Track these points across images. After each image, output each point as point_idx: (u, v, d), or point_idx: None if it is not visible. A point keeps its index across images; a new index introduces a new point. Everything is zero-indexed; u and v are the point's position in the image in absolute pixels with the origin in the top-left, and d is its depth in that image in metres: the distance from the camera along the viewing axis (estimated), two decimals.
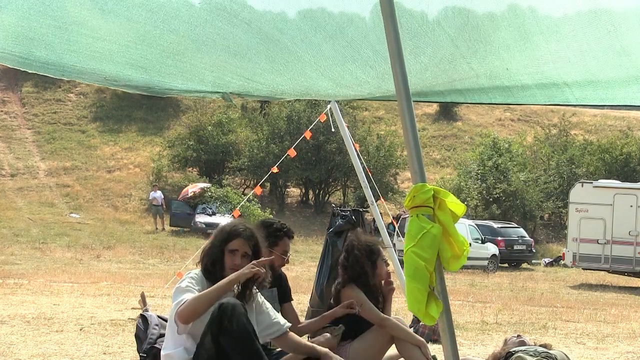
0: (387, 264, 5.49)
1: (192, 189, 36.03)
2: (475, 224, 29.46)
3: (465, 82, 5.31)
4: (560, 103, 5.54)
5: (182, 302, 4.24)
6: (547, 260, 32.21)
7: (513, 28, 4.45)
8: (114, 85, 5.61)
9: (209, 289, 4.30)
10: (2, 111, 44.20)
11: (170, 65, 5.15)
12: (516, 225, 32.33)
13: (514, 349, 5.72)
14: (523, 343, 5.88)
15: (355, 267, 5.33)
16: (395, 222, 21.69)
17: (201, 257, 4.55)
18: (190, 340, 4.35)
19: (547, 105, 5.69)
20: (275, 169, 13.23)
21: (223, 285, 4.28)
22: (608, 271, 24.44)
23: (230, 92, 5.74)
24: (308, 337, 5.36)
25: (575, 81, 5.10)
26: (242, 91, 5.79)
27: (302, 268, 22.64)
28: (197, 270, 4.53)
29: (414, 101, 3.78)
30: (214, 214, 33.73)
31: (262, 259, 4.41)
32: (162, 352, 4.50)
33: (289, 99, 6.83)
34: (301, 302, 10.20)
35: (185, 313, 4.21)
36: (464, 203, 35.84)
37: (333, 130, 9.20)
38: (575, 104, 5.49)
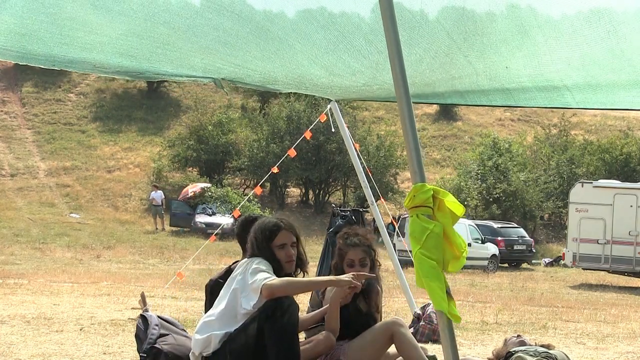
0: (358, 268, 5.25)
1: (192, 189, 36.02)
2: (475, 224, 29.45)
3: (465, 81, 5.28)
4: (561, 106, 5.53)
5: (271, 278, 4.38)
6: (547, 260, 32.20)
7: (510, 21, 4.45)
8: (104, 73, 5.64)
9: (306, 280, 4.57)
10: (2, 111, 44.20)
11: (160, 53, 5.20)
12: (516, 225, 32.31)
13: (514, 349, 5.71)
14: (523, 343, 5.88)
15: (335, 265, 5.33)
16: (395, 222, 21.68)
17: (257, 254, 4.62)
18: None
19: (547, 108, 5.67)
20: (275, 169, 13.25)
21: (320, 282, 4.69)
22: (608, 271, 24.43)
23: (222, 79, 5.75)
24: (304, 335, 5.36)
25: (576, 84, 5.08)
26: (234, 77, 5.80)
27: None
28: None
29: (413, 102, 3.78)
30: (214, 214, 33.72)
31: (362, 273, 4.63)
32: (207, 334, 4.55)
33: (283, 91, 6.81)
34: (301, 302, 10.17)
35: (276, 288, 4.34)
36: (464, 203, 35.54)
37: (333, 130, 9.18)
38: (575, 107, 5.48)
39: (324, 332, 5.06)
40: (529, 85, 5.24)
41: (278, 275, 4.50)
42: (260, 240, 4.61)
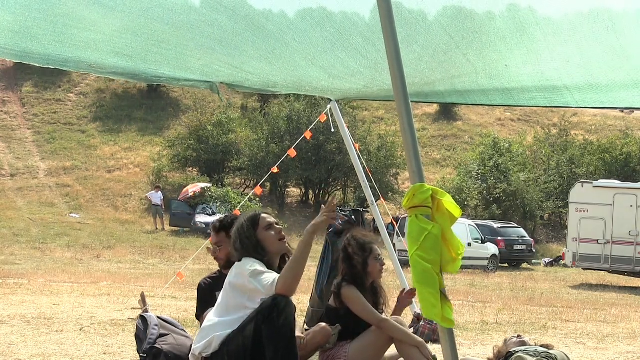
0: (382, 263, 5.45)
1: (192, 188, 35.99)
2: (475, 224, 29.45)
3: (465, 80, 5.26)
4: (561, 106, 5.52)
5: (274, 280, 4.34)
6: (547, 260, 32.20)
7: (508, 18, 4.44)
8: (100, 73, 5.61)
9: (297, 252, 4.38)
10: (2, 111, 44.18)
11: (155, 52, 5.13)
12: (516, 225, 32.32)
13: (514, 348, 5.72)
14: (523, 343, 5.88)
15: (349, 266, 5.34)
16: (395, 222, 21.68)
17: (242, 250, 4.58)
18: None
19: (547, 107, 5.66)
20: (275, 169, 13.23)
21: (307, 240, 4.37)
22: (608, 271, 24.44)
23: (221, 82, 5.70)
24: (305, 326, 5.39)
25: (576, 84, 5.06)
26: (233, 81, 5.75)
27: None
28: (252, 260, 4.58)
29: (414, 102, 3.78)
30: (214, 214, 33.69)
31: (329, 205, 4.46)
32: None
33: (284, 92, 6.78)
34: (301, 302, 10.18)
35: (289, 284, 4.32)
36: (464, 203, 35.34)
37: (333, 130, 9.19)
38: (575, 106, 5.47)
39: (320, 323, 5.13)
40: (528, 84, 5.22)
41: (270, 268, 4.52)
42: (246, 231, 4.58)
